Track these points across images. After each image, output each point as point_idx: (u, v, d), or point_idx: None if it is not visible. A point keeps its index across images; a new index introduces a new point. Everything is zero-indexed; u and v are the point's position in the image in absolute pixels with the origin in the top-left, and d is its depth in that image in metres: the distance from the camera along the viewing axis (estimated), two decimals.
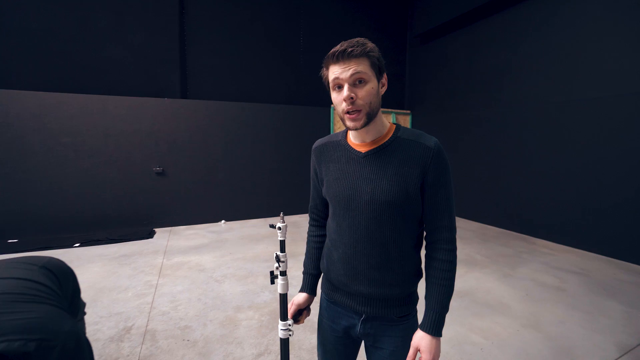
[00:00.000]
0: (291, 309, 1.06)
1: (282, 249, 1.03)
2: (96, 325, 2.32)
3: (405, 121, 7.01)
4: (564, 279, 3.20)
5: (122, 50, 4.84)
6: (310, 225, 1.15)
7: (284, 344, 1.05)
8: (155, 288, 2.95)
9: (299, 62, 6.16)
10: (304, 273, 1.11)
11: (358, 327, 0.95)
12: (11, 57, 4.28)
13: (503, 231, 4.99)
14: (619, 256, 3.72)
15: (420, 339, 0.86)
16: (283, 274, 1.03)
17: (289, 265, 3.54)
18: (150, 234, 4.60)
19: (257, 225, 5.30)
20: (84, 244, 4.13)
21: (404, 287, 0.91)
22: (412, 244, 0.91)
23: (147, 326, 2.33)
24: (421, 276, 0.97)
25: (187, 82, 5.37)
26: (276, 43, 5.93)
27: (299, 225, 5.30)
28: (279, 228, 1.05)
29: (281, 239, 1.06)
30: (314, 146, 1.04)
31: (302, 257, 3.75)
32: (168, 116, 4.99)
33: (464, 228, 5.18)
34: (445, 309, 0.88)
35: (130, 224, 4.83)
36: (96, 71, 4.73)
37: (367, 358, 1.03)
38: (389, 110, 6.79)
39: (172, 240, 4.46)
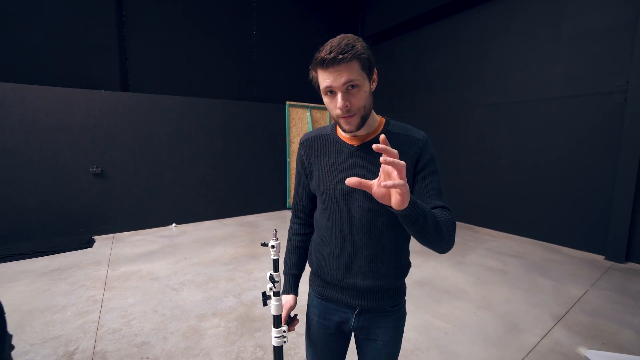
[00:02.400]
0: (283, 313, 1.00)
1: (276, 269, 0.96)
2: (26, 356, 1.97)
3: None
4: (505, 262, 3.59)
5: (44, 32, 4.15)
6: (293, 223, 1.12)
7: (278, 352, 0.98)
8: (101, 303, 2.61)
9: (252, 57, 5.95)
10: (286, 274, 1.08)
11: (352, 321, 0.96)
12: None
13: None
14: (545, 239, 4.30)
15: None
16: (277, 294, 0.96)
17: (253, 265, 3.41)
18: (88, 243, 4.06)
19: (212, 227, 5.01)
20: (2, 259, 3.49)
21: (397, 277, 0.93)
22: (405, 234, 0.94)
23: (94, 348, 2.04)
24: (410, 266, 1.00)
25: (128, 74, 4.83)
26: (228, 37, 5.64)
27: (256, 225, 5.15)
28: (272, 246, 0.98)
29: (274, 257, 0.98)
30: (302, 139, 1.02)
31: (264, 258, 3.64)
32: (105, 110, 4.42)
33: None
34: (428, 213, 0.72)
35: (62, 233, 4.20)
36: (11, 56, 4.00)
37: (358, 352, 1.03)
38: None
39: (116, 248, 3.99)
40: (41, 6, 4.10)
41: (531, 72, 4.36)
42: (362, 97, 0.81)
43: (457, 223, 5.28)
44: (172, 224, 5.06)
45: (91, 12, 4.43)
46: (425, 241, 0.76)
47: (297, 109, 6.25)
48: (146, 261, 3.55)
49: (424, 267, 3.44)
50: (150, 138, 4.79)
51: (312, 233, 1.07)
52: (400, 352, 2.01)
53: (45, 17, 4.15)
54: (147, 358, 1.96)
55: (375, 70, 0.85)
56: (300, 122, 6.29)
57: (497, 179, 4.77)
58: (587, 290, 2.92)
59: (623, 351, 2.06)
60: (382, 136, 0.63)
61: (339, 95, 0.79)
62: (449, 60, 5.42)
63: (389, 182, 0.60)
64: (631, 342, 2.17)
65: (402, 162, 0.60)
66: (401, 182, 0.60)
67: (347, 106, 0.80)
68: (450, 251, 4.03)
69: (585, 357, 2.01)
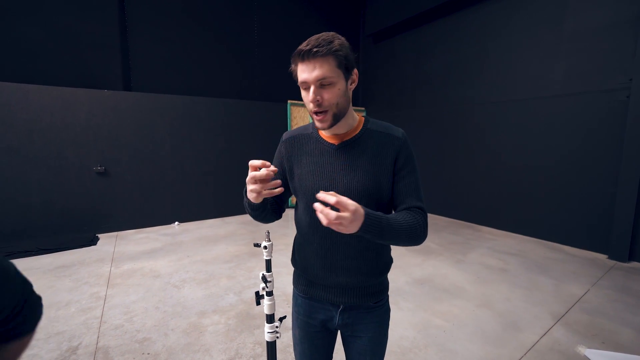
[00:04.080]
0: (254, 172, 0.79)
1: (269, 269, 0.98)
2: (31, 350, 2.01)
3: None
4: (506, 260, 3.58)
5: (47, 32, 4.20)
6: None
7: (271, 347, 1.00)
8: (104, 300, 2.65)
9: (254, 56, 5.97)
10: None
11: (336, 319, 0.97)
12: None
13: (452, 221, 5.41)
14: (547, 238, 4.28)
15: (358, 208, 0.70)
16: (270, 294, 0.98)
17: (254, 263, 3.43)
18: (92, 241, 4.11)
19: (214, 226, 5.05)
20: (8, 256, 3.55)
21: (379, 274, 0.95)
22: None
23: (97, 343, 2.08)
24: (392, 262, 1.01)
25: (131, 73, 4.87)
26: (229, 36, 5.66)
27: (257, 223, 5.17)
28: (265, 247, 1.00)
29: (267, 258, 1.00)
30: (283, 138, 1.02)
31: (264, 258, 3.66)
32: (108, 110, 4.47)
33: None
34: (389, 224, 0.76)
35: (66, 231, 4.26)
36: (12, 55, 4.04)
37: (344, 349, 1.04)
38: None
39: (119, 246, 4.04)
40: (44, 7, 4.15)
41: (532, 69, 4.32)
42: (335, 94, 0.81)
43: (457, 222, 5.30)
44: (174, 222, 5.10)
45: (94, 12, 4.47)
46: (389, 244, 0.83)
47: (299, 108, 6.26)
48: (149, 259, 3.59)
49: (424, 265, 3.45)
50: (152, 137, 4.83)
51: (279, 217, 1.03)
52: (399, 350, 2.03)
53: (49, 17, 4.19)
54: (149, 354, 1.99)
55: (356, 70, 0.85)
56: (302, 120, 6.30)
57: (498, 177, 4.75)
58: (589, 290, 2.90)
59: (623, 350, 2.06)
60: (319, 196, 0.68)
61: (312, 89, 0.80)
62: (449, 58, 5.40)
63: (324, 221, 0.66)
64: (631, 341, 2.16)
65: (334, 214, 0.65)
66: (332, 221, 0.65)
67: (318, 101, 0.80)
68: (451, 250, 4.00)
69: (585, 356, 2.00)
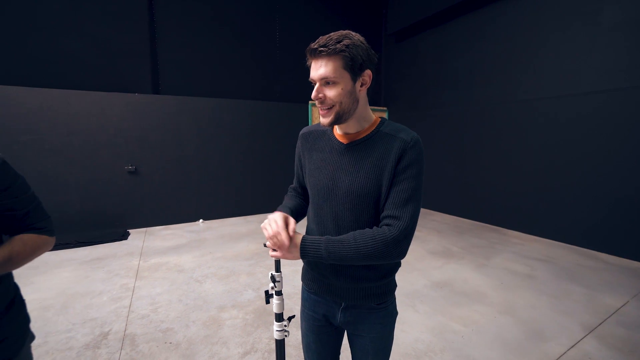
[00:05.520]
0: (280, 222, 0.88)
1: (278, 269, 1.01)
2: (69, 333, 2.19)
3: None
4: (533, 266, 3.41)
5: (84, 42, 4.52)
6: (290, 191, 1.15)
7: (280, 344, 1.03)
8: (133, 291, 2.82)
9: (276, 57, 6.08)
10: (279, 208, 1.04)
11: (338, 316, 0.97)
12: None
13: (477, 223, 5.22)
14: (579, 243, 4.02)
15: (296, 236, 0.85)
16: (279, 293, 1.01)
17: (273, 261, 3.50)
18: (124, 236, 4.38)
19: (236, 224, 5.20)
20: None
21: (383, 276, 0.93)
22: None
23: (125, 330, 2.23)
24: (399, 265, 0.99)
25: (159, 77, 5.14)
26: (252, 38, 5.81)
27: None
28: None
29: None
30: (301, 132, 1.05)
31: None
32: (138, 112, 4.75)
33: (439, 221, 5.37)
34: (330, 247, 0.82)
35: (101, 225, 4.57)
36: (56, 64, 4.39)
37: (350, 346, 1.05)
38: None
39: (147, 241, 4.28)
40: (82, 20, 4.48)
41: (565, 65, 4.07)
42: (338, 93, 0.81)
43: (481, 224, 5.11)
44: (199, 219, 5.31)
45: (126, 22, 4.77)
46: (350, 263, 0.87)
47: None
48: (174, 254, 3.77)
49: (444, 268, 3.36)
50: (179, 138, 5.06)
51: (307, 203, 1.09)
52: (413, 353, 2.01)
53: (86, 29, 4.52)
54: (171, 343, 2.10)
55: (368, 72, 0.84)
56: None
57: (526, 178, 4.53)
58: (628, 302, 2.69)
59: None
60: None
61: (316, 86, 0.83)
62: (475, 55, 5.21)
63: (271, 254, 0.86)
64: None
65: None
66: (276, 249, 0.84)
67: (320, 98, 0.83)
68: (473, 253, 3.87)
69: None
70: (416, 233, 4.64)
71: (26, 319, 0.92)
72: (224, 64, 5.60)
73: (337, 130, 0.95)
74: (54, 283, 2.97)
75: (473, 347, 2.07)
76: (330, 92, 0.82)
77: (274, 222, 0.84)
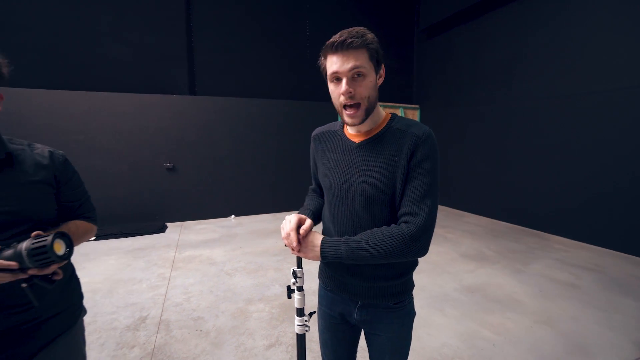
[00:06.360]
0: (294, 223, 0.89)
1: (299, 265, 1.02)
2: (113, 315, 2.39)
3: (414, 116, 6.94)
4: (578, 275, 3.15)
5: (129, 49, 4.90)
6: (310, 192, 1.17)
7: (300, 339, 1.05)
8: (169, 280, 3.01)
9: (306, 57, 6.14)
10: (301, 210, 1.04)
11: (355, 314, 0.97)
12: (19, 56, 4.30)
13: (514, 227, 4.91)
14: (632, 252, 3.63)
15: (316, 237, 0.88)
16: (300, 289, 1.03)
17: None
18: (162, 229, 4.68)
19: (265, 220, 5.34)
20: (99, 237, 4.23)
21: (399, 275, 0.91)
22: None
23: (161, 316, 2.38)
24: (417, 264, 0.97)
25: (195, 79, 5.41)
26: (282, 38, 5.92)
27: None
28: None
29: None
30: (313, 133, 1.06)
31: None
32: (176, 113, 5.04)
33: (473, 223, 5.13)
34: (349, 247, 0.81)
35: (142, 218, 4.92)
36: (104, 69, 4.80)
37: (367, 345, 1.04)
38: (398, 105, 6.73)
39: (183, 234, 4.53)
40: (125, 28, 4.87)
41: (611, 57, 3.69)
42: (367, 87, 0.81)
43: (521, 228, 4.79)
44: (231, 215, 5.53)
45: (165, 29, 5.10)
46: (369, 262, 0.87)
47: None
48: (207, 247, 3.96)
49: (477, 272, 3.21)
50: (213, 136, 5.30)
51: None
52: (439, 357, 1.95)
53: (128, 36, 4.91)
54: (201, 331, 2.22)
55: (383, 66, 0.86)
56: None
57: (572, 179, 4.17)
58: None
59: None
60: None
61: (344, 81, 0.80)
62: (512, 49, 4.88)
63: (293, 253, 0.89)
64: None
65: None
66: (293, 249, 0.87)
67: (350, 92, 0.80)
68: (509, 258, 3.67)
69: None
70: (447, 235, 4.47)
71: (81, 295, 1.05)
72: (256, 65, 5.77)
73: (349, 130, 0.94)
74: (102, 269, 3.25)
75: (505, 357, 1.96)
76: (360, 87, 0.81)
77: (288, 222, 0.88)
